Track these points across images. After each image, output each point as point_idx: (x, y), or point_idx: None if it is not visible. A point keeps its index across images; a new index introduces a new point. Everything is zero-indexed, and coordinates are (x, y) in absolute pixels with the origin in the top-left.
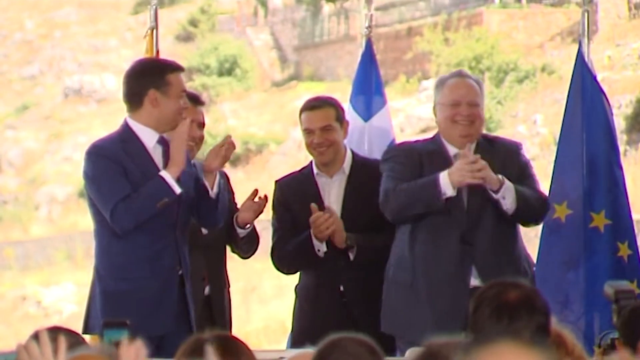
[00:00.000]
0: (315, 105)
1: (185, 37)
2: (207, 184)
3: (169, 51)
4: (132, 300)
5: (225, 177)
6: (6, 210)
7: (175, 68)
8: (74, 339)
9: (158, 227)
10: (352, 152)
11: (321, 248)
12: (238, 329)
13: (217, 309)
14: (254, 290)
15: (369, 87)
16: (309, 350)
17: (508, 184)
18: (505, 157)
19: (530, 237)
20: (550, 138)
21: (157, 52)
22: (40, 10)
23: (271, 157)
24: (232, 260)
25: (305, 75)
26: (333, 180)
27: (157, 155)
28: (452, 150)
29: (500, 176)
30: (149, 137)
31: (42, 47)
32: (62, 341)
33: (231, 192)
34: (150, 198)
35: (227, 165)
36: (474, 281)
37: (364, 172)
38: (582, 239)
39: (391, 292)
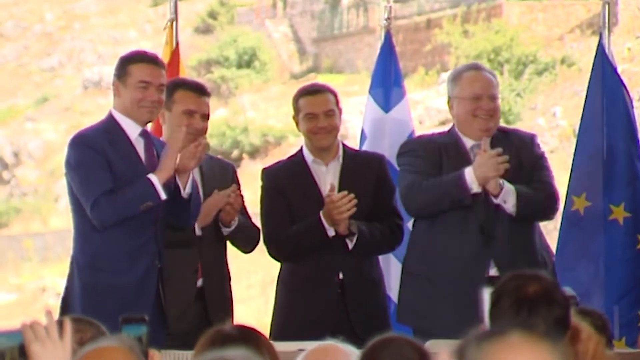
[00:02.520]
0: (317, 90)
1: (205, 29)
2: (180, 183)
3: (188, 43)
4: (111, 293)
5: (233, 171)
6: (26, 202)
7: (141, 59)
8: (96, 330)
9: (139, 221)
10: (342, 142)
11: (330, 232)
12: (257, 321)
13: (212, 302)
14: (273, 282)
15: (388, 79)
16: (330, 343)
17: (508, 187)
18: (519, 148)
19: (550, 230)
20: (570, 130)
21: (177, 44)
22: (59, 2)
23: (290, 149)
24: (252, 253)
25: (324, 67)
26: (328, 169)
27: (139, 147)
28: (467, 143)
29: (500, 181)
30: (132, 129)
31: (61, 39)
32: (68, 323)
33: (238, 185)
34: (135, 199)
35: (245, 157)
36: (492, 271)
37: (357, 162)
38: (602, 231)
39: (408, 284)
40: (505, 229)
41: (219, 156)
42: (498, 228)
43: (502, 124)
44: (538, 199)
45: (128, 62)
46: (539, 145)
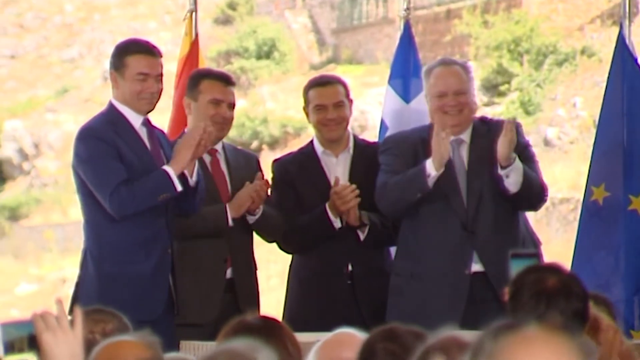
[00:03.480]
0: (326, 81)
1: (224, 20)
2: (186, 171)
3: (207, 34)
4: (127, 283)
5: (256, 161)
6: (46, 193)
7: (138, 50)
8: (119, 321)
9: (150, 211)
10: (353, 134)
11: (336, 224)
12: (277, 312)
13: (243, 292)
14: None
15: (408, 69)
16: (347, 331)
17: (518, 164)
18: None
19: (570, 220)
20: (590, 121)
21: (197, 35)
22: None
23: (309, 140)
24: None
25: (344, 58)
26: (338, 160)
27: (144, 136)
28: None
29: (513, 155)
30: (134, 118)
31: (81, 30)
32: (79, 313)
33: (262, 175)
34: (154, 190)
35: (264, 148)
36: (475, 266)
37: (367, 153)
38: (621, 222)
39: (395, 282)
40: (488, 221)
41: (239, 147)
42: (480, 221)
43: (523, 115)
44: (536, 186)
45: (125, 54)
46: (522, 134)
